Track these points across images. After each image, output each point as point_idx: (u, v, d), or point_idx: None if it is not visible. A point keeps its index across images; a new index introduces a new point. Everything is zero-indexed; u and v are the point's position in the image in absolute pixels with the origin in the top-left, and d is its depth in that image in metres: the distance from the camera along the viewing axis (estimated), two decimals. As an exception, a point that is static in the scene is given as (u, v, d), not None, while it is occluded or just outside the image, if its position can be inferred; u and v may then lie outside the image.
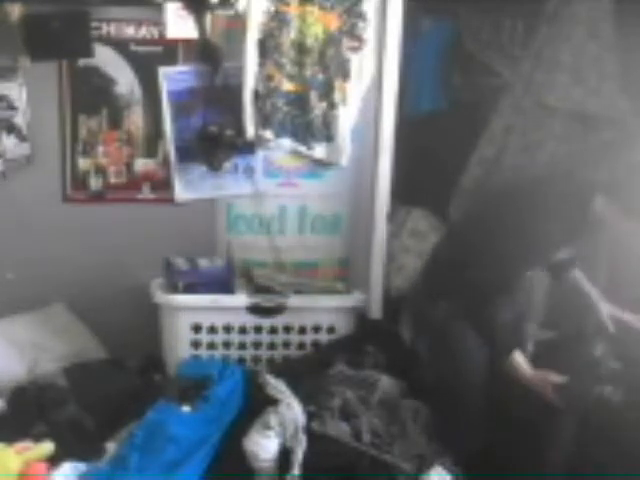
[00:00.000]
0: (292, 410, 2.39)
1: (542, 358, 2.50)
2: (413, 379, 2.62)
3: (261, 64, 2.83)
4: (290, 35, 2.83)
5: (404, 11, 2.90)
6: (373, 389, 2.54)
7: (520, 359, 2.35)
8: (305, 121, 2.92)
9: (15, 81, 2.85)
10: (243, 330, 2.90)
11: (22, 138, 2.91)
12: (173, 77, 2.93)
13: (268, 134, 2.91)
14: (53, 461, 2.21)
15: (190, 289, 2.88)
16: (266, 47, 2.82)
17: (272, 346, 2.94)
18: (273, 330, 2.93)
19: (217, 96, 2.92)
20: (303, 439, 2.30)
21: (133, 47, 2.91)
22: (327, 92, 2.91)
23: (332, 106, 2.92)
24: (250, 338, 2.92)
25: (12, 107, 2.87)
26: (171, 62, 2.92)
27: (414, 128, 3.20)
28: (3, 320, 2.92)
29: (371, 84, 2.97)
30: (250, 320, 2.90)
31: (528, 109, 3.01)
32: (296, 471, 2.22)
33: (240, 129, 2.89)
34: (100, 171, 3.01)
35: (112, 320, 2.99)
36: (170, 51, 2.91)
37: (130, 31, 2.89)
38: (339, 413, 2.42)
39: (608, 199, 2.38)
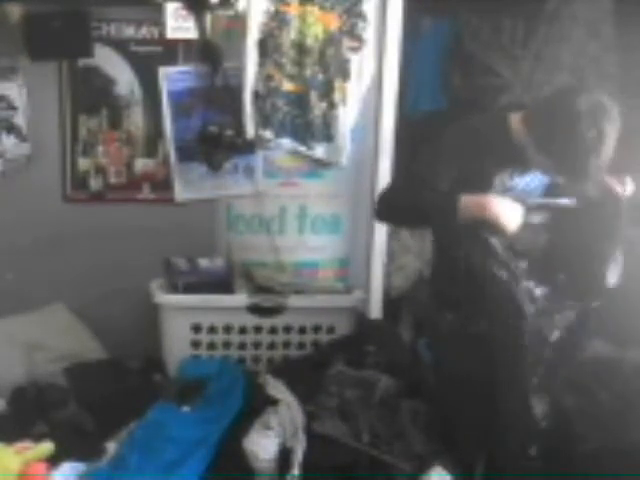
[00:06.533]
0: (292, 410, 2.39)
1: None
2: (413, 379, 2.62)
3: (261, 64, 2.83)
4: (290, 35, 2.83)
5: (404, 11, 2.91)
6: (373, 389, 2.53)
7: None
8: (305, 121, 2.92)
9: (15, 81, 2.85)
10: (243, 330, 2.90)
11: (22, 138, 2.91)
12: (173, 77, 2.93)
13: (268, 134, 2.91)
14: (53, 461, 2.21)
15: (190, 289, 2.88)
16: (266, 47, 2.82)
17: (272, 346, 2.94)
18: (273, 330, 2.92)
19: (217, 96, 2.92)
20: (303, 439, 2.29)
21: (133, 47, 2.90)
22: (327, 92, 2.90)
23: (332, 106, 2.92)
24: (250, 338, 2.92)
25: (12, 107, 2.87)
26: (171, 62, 2.92)
27: (414, 128, 3.20)
28: (3, 320, 2.92)
29: (371, 84, 2.97)
30: (250, 320, 2.90)
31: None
32: (296, 471, 2.22)
33: (240, 129, 2.89)
34: (100, 171, 3.01)
35: (112, 320, 2.99)
36: (170, 51, 2.91)
37: (130, 31, 2.89)
38: (339, 413, 2.42)
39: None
